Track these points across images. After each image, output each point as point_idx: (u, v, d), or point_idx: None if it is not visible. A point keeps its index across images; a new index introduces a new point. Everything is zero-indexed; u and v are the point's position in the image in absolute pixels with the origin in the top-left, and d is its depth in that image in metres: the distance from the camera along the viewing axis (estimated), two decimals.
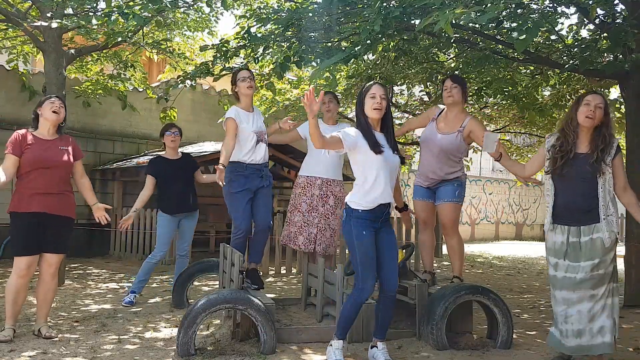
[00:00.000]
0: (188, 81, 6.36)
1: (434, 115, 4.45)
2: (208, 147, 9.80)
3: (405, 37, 6.01)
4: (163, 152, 5.69)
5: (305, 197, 4.79)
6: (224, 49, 5.91)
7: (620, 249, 4.24)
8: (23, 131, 4.04)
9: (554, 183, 3.56)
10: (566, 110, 8.89)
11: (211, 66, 6.09)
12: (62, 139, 4.11)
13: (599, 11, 5.29)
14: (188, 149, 9.91)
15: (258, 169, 4.38)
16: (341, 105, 8.63)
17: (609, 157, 3.44)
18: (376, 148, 3.43)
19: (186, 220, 5.56)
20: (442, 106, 4.51)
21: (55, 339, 4.00)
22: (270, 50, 5.92)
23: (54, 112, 4.03)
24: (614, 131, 3.50)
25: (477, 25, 5.18)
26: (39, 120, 4.08)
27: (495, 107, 9.65)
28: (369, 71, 7.74)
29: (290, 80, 9.79)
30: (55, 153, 3.99)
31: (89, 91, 9.42)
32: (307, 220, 4.77)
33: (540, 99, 8.15)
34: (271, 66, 6.43)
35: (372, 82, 3.56)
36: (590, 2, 5.07)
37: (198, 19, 8.63)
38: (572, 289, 3.44)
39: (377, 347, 3.56)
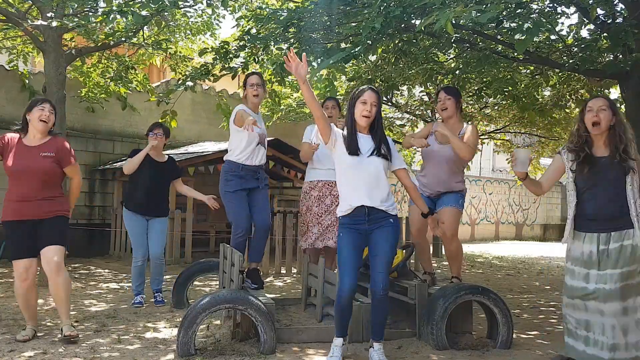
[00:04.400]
0: (189, 83, 6.35)
1: (432, 129, 4.47)
2: (210, 146, 9.78)
3: (405, 38, 6.01)
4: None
5: (304, 200, 4.99)
6: (224, 51, 5.90)
7: None
8: (12, 135, 3.99)
9: (578, 192, 3.45)
10: (566, 110, 8.92)
11: (211, 67, 6.09)
12: (48, 144, 3.97)
13: (599, 11, 5.29)
14: (189, 149, 9.91)
15: (254, 171, 4.40)
16: (343, 109, 8.62)
17: (635, 153, 3.34)
18: (351, 149, 3.44)
19: (154, 223, 5.42)
20: (440, 122, 4.53)
21: (75, 338, 3.92)
22: (270, 52, 5.92)
23: (42, 121, 3.93)
24: (627, 128, 3.40)
25: (477, 25, 5.17)
26: (28, 124, 3.98)
27: (495, 107, 9.66)
28: (369, 73, 7.73)
29: (290, 82, 9.77)
30: (33, 161, 3.88)
31: (92, 95, 9.40)
32: (304, 221, 5.02)
33: (540, 99, 8.15)
34: (270, 70, 6.40)
35: (366, 86, 3.56)
36: (590, 2, 5.07)
37: (199, 22, 8.61)
38: (603, 300, 3.27)
39: (373, 347, 3.58)
